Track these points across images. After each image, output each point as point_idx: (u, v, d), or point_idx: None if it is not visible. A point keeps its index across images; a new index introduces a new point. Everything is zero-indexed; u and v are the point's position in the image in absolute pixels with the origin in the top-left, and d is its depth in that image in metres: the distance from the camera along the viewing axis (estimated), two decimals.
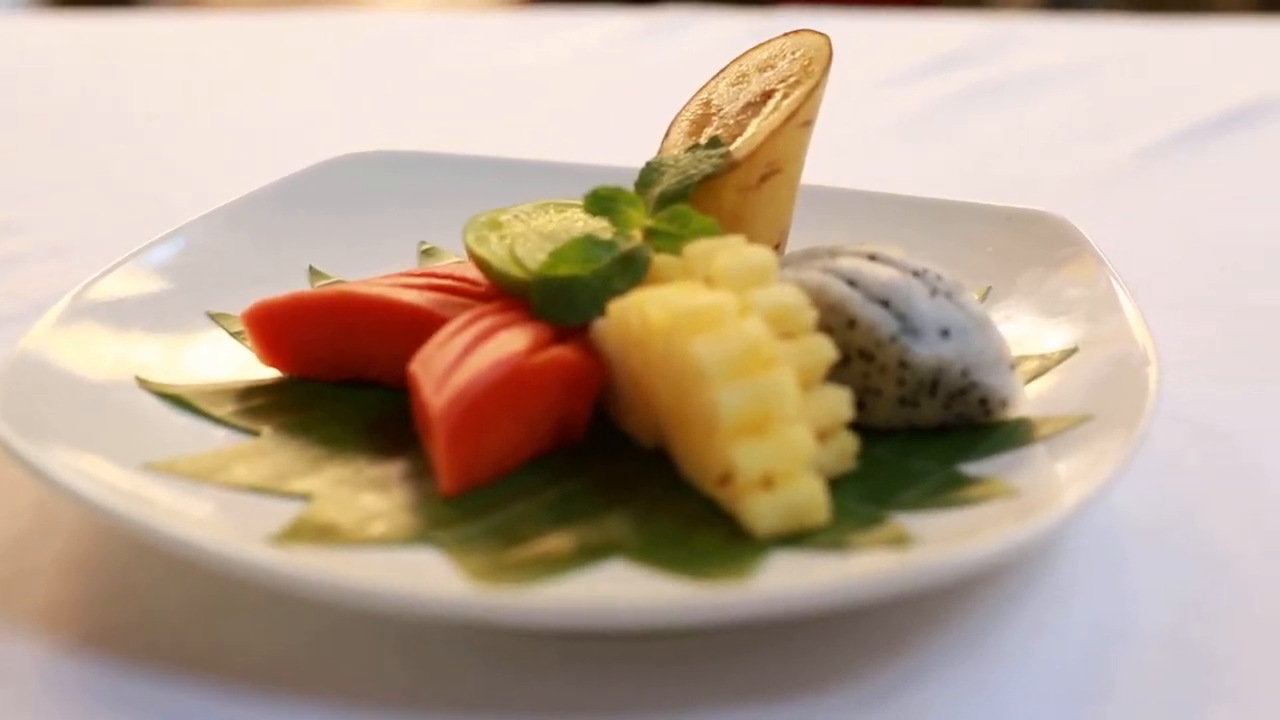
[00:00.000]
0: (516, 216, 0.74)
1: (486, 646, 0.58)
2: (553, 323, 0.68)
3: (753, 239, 0.72)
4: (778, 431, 0.62)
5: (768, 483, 0.61)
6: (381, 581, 0.56)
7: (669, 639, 0.58)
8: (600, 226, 0.72)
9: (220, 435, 0.68)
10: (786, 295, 0.65)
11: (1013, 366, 0.69)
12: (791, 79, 0.75)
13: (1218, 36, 1.55)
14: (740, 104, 0.76)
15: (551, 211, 0.75)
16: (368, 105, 1.35)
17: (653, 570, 0.59)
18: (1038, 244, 0.81)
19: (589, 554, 0.60)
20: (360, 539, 0.61)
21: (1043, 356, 0.73)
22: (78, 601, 0.62)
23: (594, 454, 0.67)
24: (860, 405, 0.68)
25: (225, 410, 0.70)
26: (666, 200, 0.72)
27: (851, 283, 0.68)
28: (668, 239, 0.70)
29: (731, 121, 0.75)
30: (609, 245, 0.69)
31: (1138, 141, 1.19)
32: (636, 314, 0.64)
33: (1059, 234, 0.81)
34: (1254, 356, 0.84)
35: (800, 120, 0.74)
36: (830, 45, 0.76)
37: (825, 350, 0.65)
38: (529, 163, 0.92)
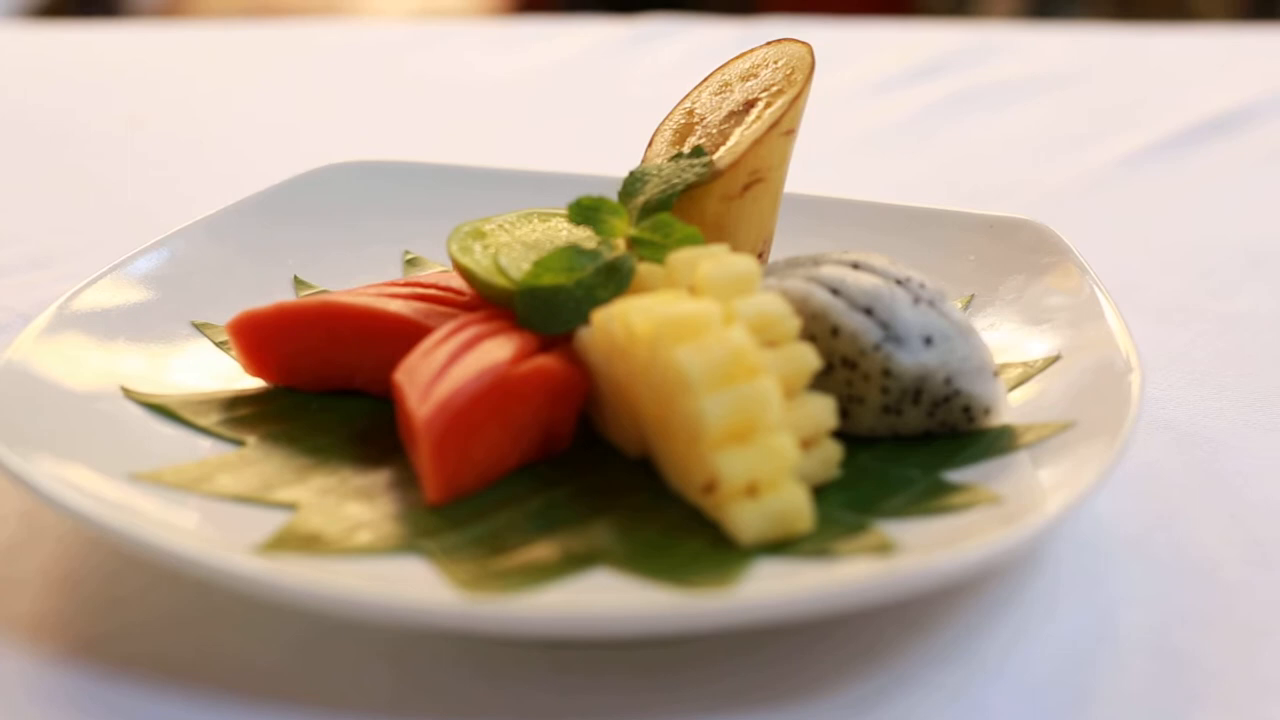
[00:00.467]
0: (500, 226, 0.74)
1: (473, 655, 0.58)
2: (537, 332, 0.68)
3: (736, 247, 0.73)
4: (762, 440, 0.62)
5: (752, 491, 0.61)
6: (367, 590, 0.56)
7: (655, 647, 0.59)
8: (584, 236, 0.73)
9: (206, 445, 0.68)
10: (770, 304, 0.65)
11: (996, 374, 0.69)
12: (774, 88, 0.75)
13: (1197, 45, 1.56)
14: (723, 113, 0.76)
15: (535, 221, 0.75)
16: (352, 115, 1.35)
17: (637, 578, 0.59)
18: (1020, 251, 0.81)
19: (574, 563, 0.60)
20: (346, 548, 0.61)
21: (1026, 364, 0.74)
22: (63, 611, 0.62)
23: (578, 463, 0.67)
24: (844, 413, 0.68)
25: (210, 420, 0.70)
26: (650, 209, 0.72)
27: (835, 291, 0.69)
28: (651, 248, 0.70)
29: (715, 130, 0.76)
30: (593, 254, 0.69)
31: (1118, 149, 1.20)
32: (620, 323, 0.65)
33: (1041, 241, 0.81)
34: (1233, 364, 0.84)
35: (783, 129, 0.74)
36: (812, 54, 0.76)
37: (809, 358, 0.65)
38: (513, 172, 0.92)
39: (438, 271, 0.78)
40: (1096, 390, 0.69)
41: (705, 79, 0.79)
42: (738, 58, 0.79)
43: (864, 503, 0.64)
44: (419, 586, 0.58)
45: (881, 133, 1.29)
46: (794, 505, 0.61)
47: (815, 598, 0.55)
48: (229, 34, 1.72)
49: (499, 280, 0.70)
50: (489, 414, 0.65)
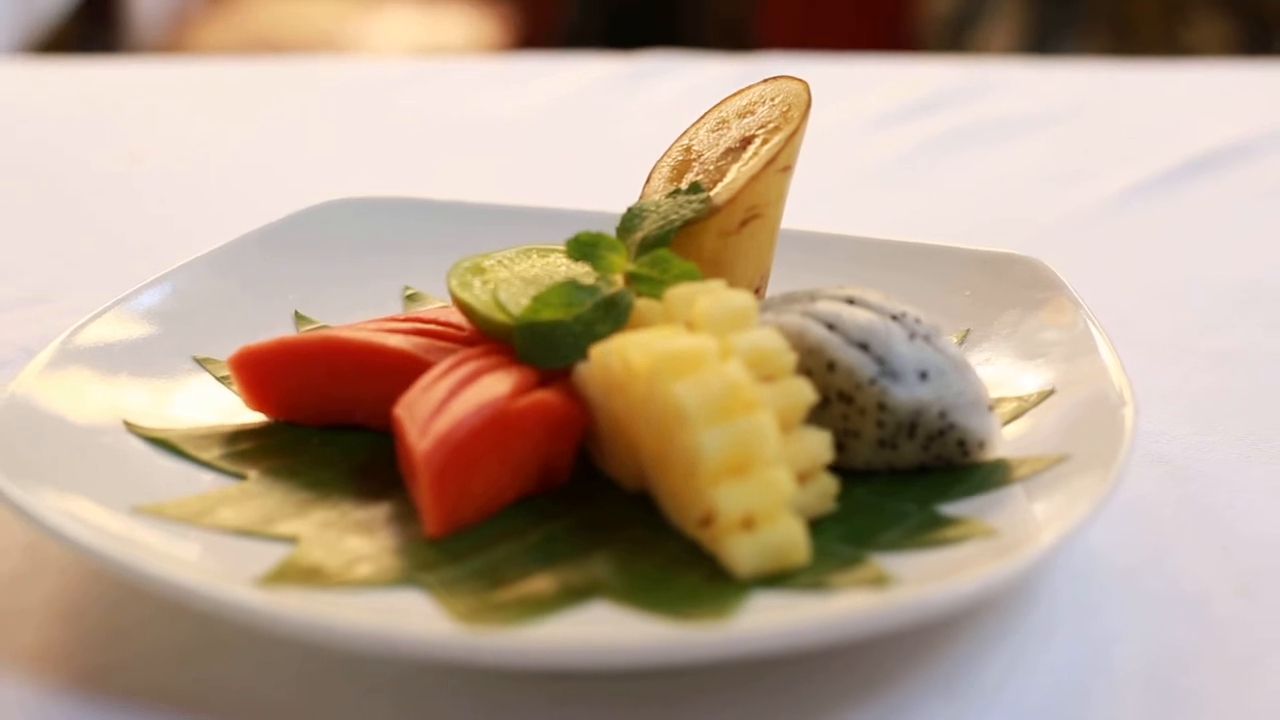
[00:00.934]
0: (500, 262, 0.75)
1: (473, 687, 0.59)
2: (536, 367, 0.69)
3: (733, 283, 0.73)
4: (758, 473, 0.62)
5: (749, 524, 0.62)
6: (367, 623, 0.56)
7: (653, 679, 0.59)
8: (582, 271, 0.73)
9: (207, 479, 0.69)
10: (766, 339, 0.66)
11: (991, 408, 0.70)
12: (771, 125, 0.76)
13: (1191, 81, 1.57)
14: (720, 150, 0.77)
15: (534, 256, 0.76)
16: (352, 151, 1.35)
17: (635, 611, 0.60)
18: (1015, 287, 0.82)
19: (572, 595, 0.61)
20: (346, 581, 0.61)
21: (1020, 398, 0.74)
22: (65, 642, 0.62)
23: (577, 497, 0.68)
24: (840, 447, 0.69)
25: (212, 454, 0.71)
26: (648, 245, 0.73)
27: (831, 326, 0.69)
28: (649, 284, 0.71)
29: (712, 167, 0.76)
30: (591, 290, 0.70)
31: (1112, 185, 1.20)
32: (618, 358, 0.65)
33: (1036, 277, 0.82)
34: (1224, 399, 0.85)
35: (780, 165, 0.75)
36: (809, 91, 0.77)
37: (805, 393, 0.65)
38: (512, 208, 0.92)
39: (437, 307, 0.79)
40: (1090, 424, 0.69)
41: (703, 116, 0.80)
42: (735, 95, 0.80)
43: (860, 536, 0.65)
44: (418, 619, 0.59)
45: (878, 169, 1.29)
46: (790, 538, 0.62)
47: (812, 629, 0.56)
48: (228, 70, 1.73)
49: (498, 315, 0.71)
50: (488, 448, 0.65)
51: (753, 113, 0.78)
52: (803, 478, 0.65)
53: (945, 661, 0.61)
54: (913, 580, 0.60)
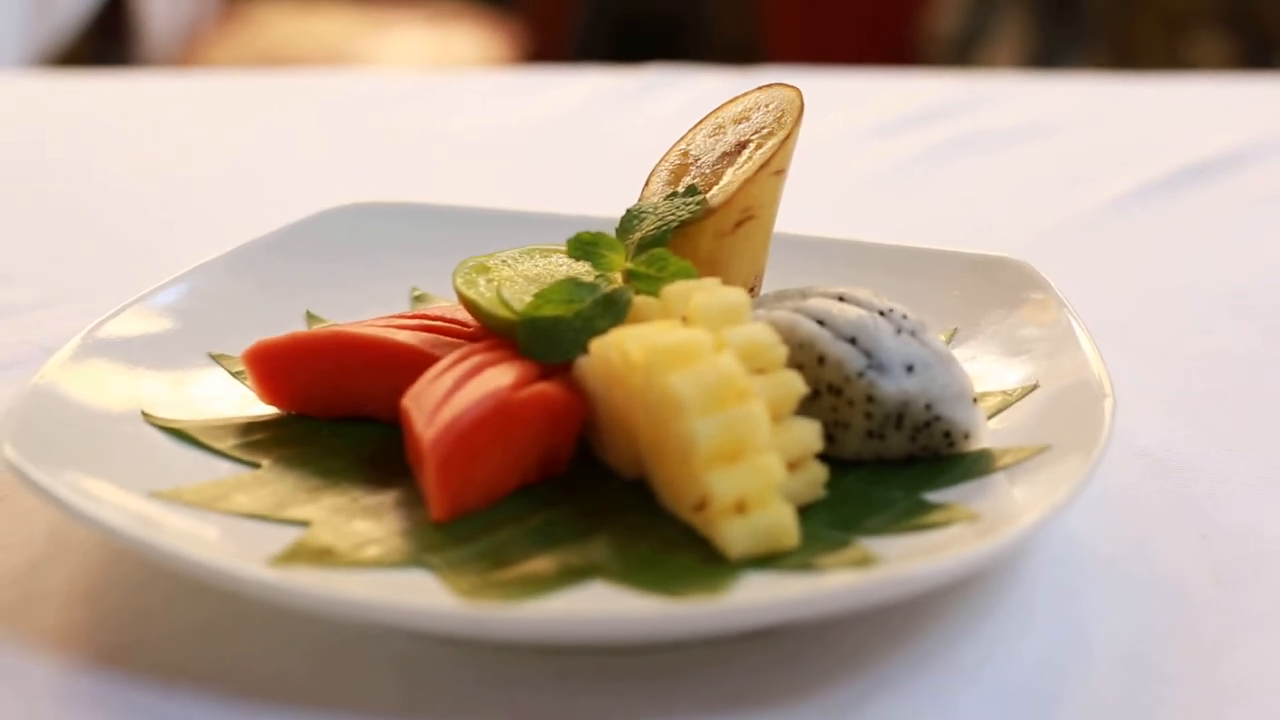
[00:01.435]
0: (504, 261, 0.78)
1: (477, 661, 0.62)
2: (538, 361, 0.72)
3: (728, 282, 0.76)
4: (750, 460, 0.65)
5: (741, 508, 0.65)
6: (375, 596, 0.59)
7: (648, 655, 0.62)
8: (583, 270, 0.76)
9: (223, 467, 0.72)
10: (759, 333, 0.69)
11: (975, 400, 0.73)
12: (765, 130, 0.79)
13: (1185, 93, 1.60)
14: (717, 154, 0.80)
15: (537, 256, 0.79)
16: (361, 161, 1.38)
17: (632, 590, 0.63)
18: (1002, 288, 0.85)
19: (572, 575, 0.64)
20: (355, 562, 0.64)
21: (1005, 392, 0.77)
22: (88, 622, 0.65)
23: (577, 484, 0.71)
24: (830, 438, 0.72)
25: (227, 444, 0.74)
26: (646, 245, 0.75)
27: (821, 322, 0.72)
28: (647, 281, 0.74)
29: (708, 170, 0.79)
30: (591, 287, 0.72)
31: (1105, 194, 1.23)
32: (617, 350, 0.68)
33: (1022, 278, 0.85)
34: (1208, 397, 0.87)
35: (773, 169, 0.77)
36: (801, 98, 0.79)
37: (795, 384, 0.68)
38: (516, 213, 0.95)
39: (443, 305, 0.82)
40: (1071, 415, 0.72)
41: (700, 122, 0.83)
42: (730, 102, 0.82)
43: (847, 521, 0.67)
44: (424, 595, 0.61)
45: (876, 177, 1.32)
46: (780, 522, 0.65)
47: (800, 602, 0.59)
48: (238, 83, 1.76)
49: (502, 312, 0.74)
50: (492, 437, 0.68)
51: (748, 119, 0.81)
52: (793, 466, 0.68)
53: (928, 641, 0.64)
54: (897, 560, 0.63)
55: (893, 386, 0.71)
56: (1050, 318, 0.80)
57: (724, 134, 0.81)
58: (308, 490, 0.70)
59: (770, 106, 0.80)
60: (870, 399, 0.71)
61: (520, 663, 0.62)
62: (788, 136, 0.78)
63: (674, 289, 0.71)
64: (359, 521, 0.67)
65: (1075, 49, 2.94)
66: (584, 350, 0.71)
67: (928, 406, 0.71)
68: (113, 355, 0.77)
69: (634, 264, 0.75)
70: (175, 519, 0.66)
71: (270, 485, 0.70)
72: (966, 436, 0.72)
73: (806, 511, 0.67)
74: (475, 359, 0.72)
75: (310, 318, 0.86)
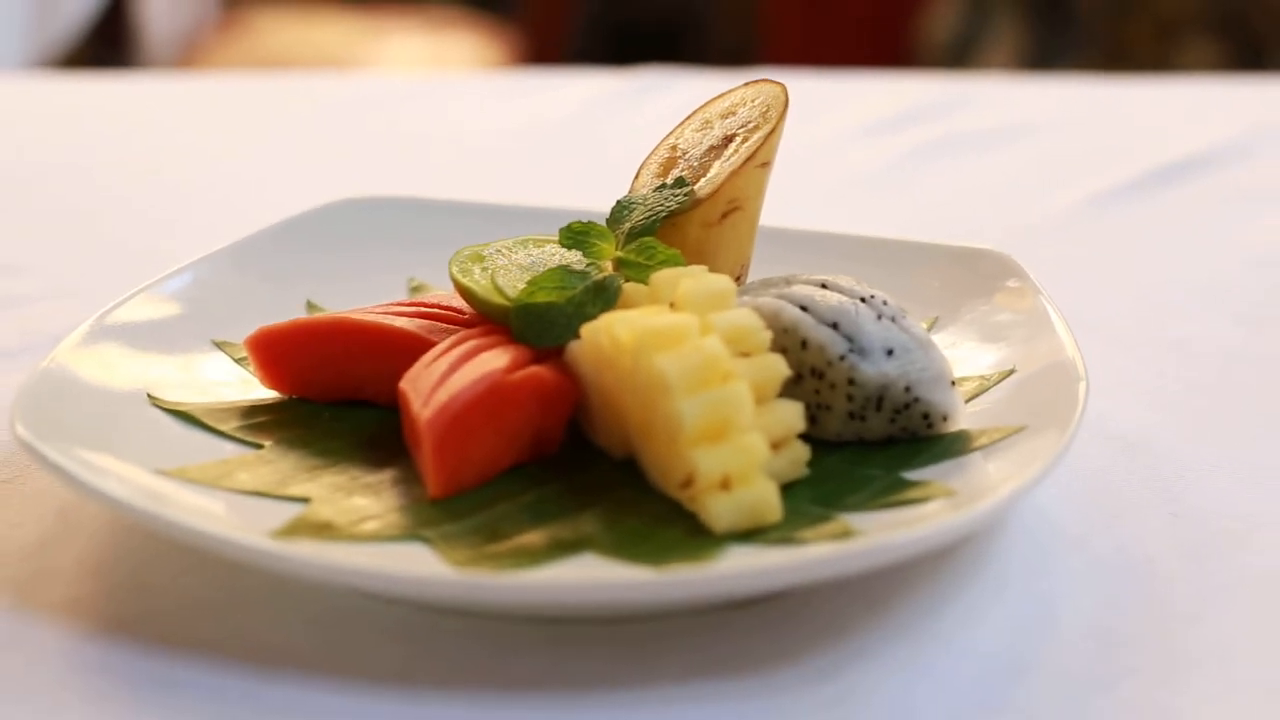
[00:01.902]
0: (498, 250, 0.80)
1: (474, 631, 0.64)
2: (531, 345, 0.74)
3: (715, 271, 0.79)
4: (735, 438, 0.68)
5: (726, 484, 0.67)
6: (374, 565, 0.62)
7: (635, 624, 0.65)
8: (575, 258, 0.79)
9: (226, 448, 0.74)
10: (743, 317, 0.71)
11: (953, 383, 0.75)
12: (751, 124, 0.82)
13: (1172, 95, 1.63)
14: (704, 147, 0.82)
15: (530, 246, 0.81)
16: (360, 161, 1.41)
17: (620, 562, 0.65)
18: (981, 278, 0.88)
19: (563, 548, 0.66)
20: (354, 535, 0.67)
21: (983, 377, 0.80)
22: (96, 596, 0.68)
23: (569, 463, 0.73)
24: (813, 420, 0.74)
25: (230, 426, 0.76)
26: (635, 234, 0.78)
27: (804, 307, 0.75)
28: (636, 269, 0.76)
29: (696, 163, 0.82)
30: (583, 275, 0.75)
31: (1088, 191, 1.26)
32: (606, 334, 0.71)
33: (1001, 268, 0.87)
34: (1180, 383, 0.90)
35: (759, 161, 0.80)
36: (786, 93, 0.82)
37: (779, 367, 0.71)
38: (510, 207, 0.98)
39: (440, 293, 0.85)
40: (1046, 398, 0.75)
41: (688, 117, 0.85)
42: (718, 97, 0.85)
43: (829, 498, 0.70)
44: (420, 564, 0.64)
45: (867, 176, 1.35)
46: (764, 497, 0.67)
47: (781, 570, 0.62)
48: (237, 85, 1.79)
49: (496, 298, 0.76)
50: (486, 417, 0.71)
51: (734, 113, 0.83)
52: (777, 445, 0.71)
53: (904, 612, 0.67)
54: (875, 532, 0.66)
55: (873, 370, 0.74)
56: (1027, 305, 0.83)
57: (711, 128, 0.83)
58: (308, 469, 0.73)
59: (756, 102, 0.83)
60: (851, 382, 0.74)
61: (513, 631, 0.64)
62: (773, 131, 0.81)
63: (662, 276, 0.74)
64: (358, 498, 0.70)
65: (1069, 54, 2.97)
66: (575, 335, 0.73)
67: (907, 389, 0.74)
68: (120, 341, 0.79)
69: (624, 252, 0.77)
70: (181, 495, 0.69)
71: (272, 464, 0.73)
72: (945, 418, 0.75)
73: (789, 489, 0.70)
74: (470, 344, 0.74)
75: (310, 307, 0.89)
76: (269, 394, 0.80)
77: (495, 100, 1.60)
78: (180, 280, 0.86)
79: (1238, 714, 0.62)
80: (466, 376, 0.71)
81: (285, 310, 0.85)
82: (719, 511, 0.67)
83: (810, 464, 0.72)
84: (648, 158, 0.84)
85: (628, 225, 0.79)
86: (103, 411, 0.74)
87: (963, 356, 0.82)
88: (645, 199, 0.80)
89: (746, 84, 0.84)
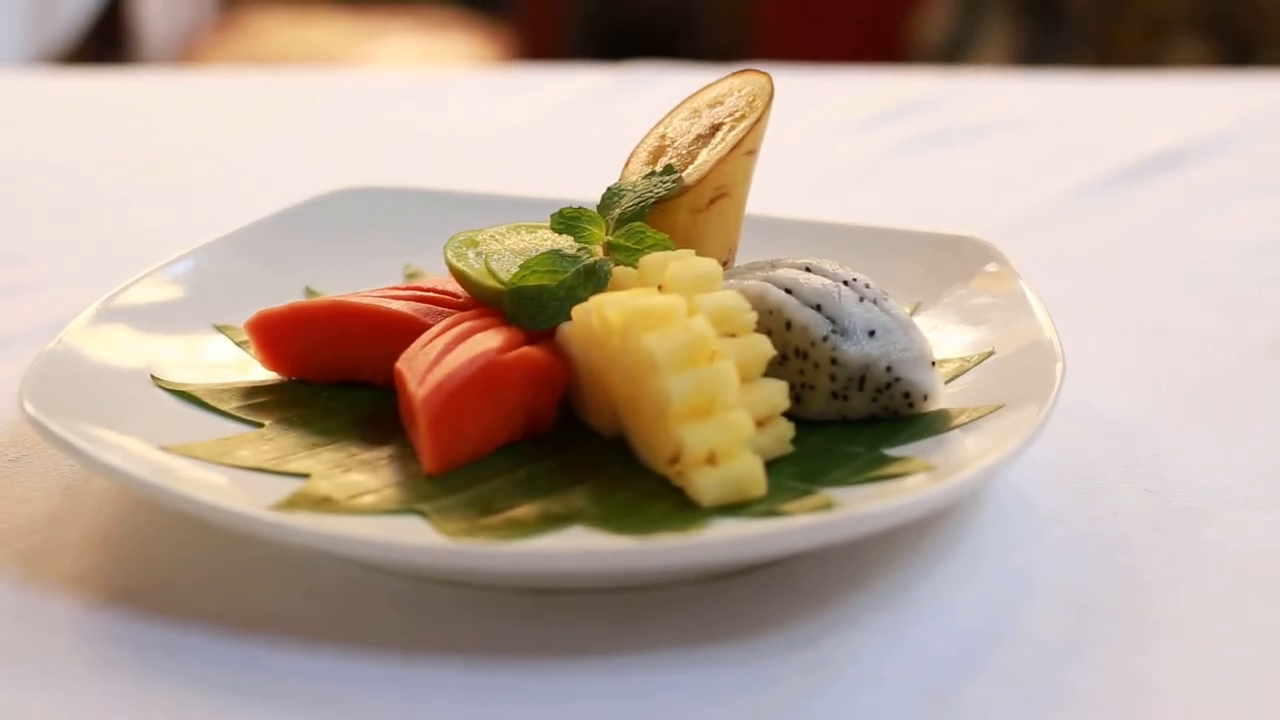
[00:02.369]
0: (492, 236, 0.83)
1: (468, 600, 0.67)
2: (524, 327, 0.76)
3: (703, 255, 0.81)
4: (721, 415, 0.70)
5: (712, 460, 0.70)
6: (373, 534, 0.64)
7: (623, 594, 0.67)
8: (566, 243, 0.81)
9: (227, 427, 0.77)
10: (729, 299, 0.73)
11: (934, 364, 0.78)
12: (738, 113, 0.84)
13: (1155, 90, 1.65)
14: (692, 136, 0.85)
15: (523, 232, 0.83)
16: (355, 155, 1.43)
17: (610, 534, 0.67)
18: (963, 263, 0.90)
19: (554, 521, 0.68)
20: (352, 509, 0.69)
21: (963, 358, 0.82)
22: (102, 569, 0.70)
23: (560, 441, 0.76)
24: (797, 399, 0.76)
25: (231, 406, 0.78)
26: (625, 220, 0.80)
27: (788, 290, 0.77)
28: (626, 253, 0.79)
29: (684, 151, 0.84)
30: (574, 259, 0.77)
31: (1074, 182, 1.29)
32: (596, 315, 0.73)
33: (982, 254, 0.90)
34: (1161, 366, 0.93)
35: (745, 149, 0.82)
36: (772, 83, 0.84)
37: (764, 347, 0.73)
38: (504, 196, 1.00)
39: (435, 278, 0.87)
40: (1024, 377, 0.77)
41: (677, 106, 0.87)
42: (706, 88, 0.87)
43: (812, 474, 0.72)
44: (416, 534, 0.66)
45: (856, 168, 1.37)
46: (749, 472, 0.70)
47: (766, 538, 0.64)
48: (234, 82, 1.81)
49: (490, 282, 0.79)
50: (480, 395, 0.73)
51: (721, 103, 0.85)
52: (761, 423, 0.73)
53: (884, 583, 0.69)
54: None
55: (855, 350, 0.76)
56: (1006, 289, 0.85)
57: (699, 117, 0.86)
58: (307, 447, 0.75)
59: (743, 91, 0.85)
60: (834, 362, 0.76)
61: (506, 600, 0.67)
62: (759, 119, 0.83)
63: (651, 259, 0.76)
64: (355, 474, 0.72)
65: (1060, 54, 2.99)
66: (567, 317, 0.75)
67: (888, 369, 0.76)
68: (126, 323, 0.82)
69: (614, 237, 0.80)
70: (185, 470, 0.71)
71: (273, 442, 0.75)
72: (925, 397, 0.77)
73: (773, 466, 0.72)
74: (465, 325, 0.77)
75: (309, 292, 0.91)
76: (269, 375, 0.82)
77: (489, 95, 1.62)
78: (183, 266, 0.88)
79: (1200, 678, 0.64)
80: (461, 357, 0.73)
81: (284, 295, 0.87)
82: (705, 486, 0.69)
83: (794, 442, 0.74)
84: (637, 146, 0.87)
85: (618, 211, 0.81)
86: (108, 391, 0.76)
87: (944, 338, 0.84)
88: (635, 186, 0.82)
89: (733, 74, 0.87)
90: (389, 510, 0.69)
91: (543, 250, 0.79)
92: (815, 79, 1.64)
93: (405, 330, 0.79)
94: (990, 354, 0.81)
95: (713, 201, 0.82)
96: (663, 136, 0.86)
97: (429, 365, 0.74)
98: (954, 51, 3.09)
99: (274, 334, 0.81)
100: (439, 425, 0.72)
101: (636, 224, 0.79)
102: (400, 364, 0.75)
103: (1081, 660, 0.64)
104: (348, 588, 0.68)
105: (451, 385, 0.72)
